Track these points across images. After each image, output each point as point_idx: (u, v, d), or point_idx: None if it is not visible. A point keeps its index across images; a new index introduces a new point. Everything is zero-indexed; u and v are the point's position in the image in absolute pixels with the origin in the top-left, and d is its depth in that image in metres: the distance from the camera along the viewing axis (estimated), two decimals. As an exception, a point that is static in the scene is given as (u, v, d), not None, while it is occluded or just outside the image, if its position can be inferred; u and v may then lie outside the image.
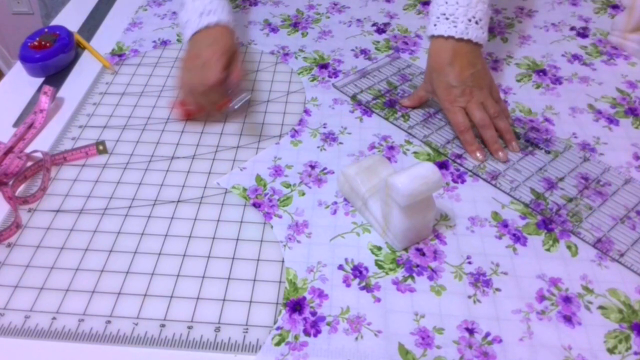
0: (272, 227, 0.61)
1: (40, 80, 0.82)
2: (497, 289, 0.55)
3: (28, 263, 0.58)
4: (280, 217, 0.62)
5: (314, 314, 0.53)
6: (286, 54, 0.85)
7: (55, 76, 0.82)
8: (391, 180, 0.54)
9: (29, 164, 0.67)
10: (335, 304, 0.54)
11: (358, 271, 0.57)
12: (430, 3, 0.73)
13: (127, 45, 0.88)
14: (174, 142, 0.71)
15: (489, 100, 0.69)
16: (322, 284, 0.56)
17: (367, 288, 0.55)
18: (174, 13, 0.95)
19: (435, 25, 0.70)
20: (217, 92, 0.69)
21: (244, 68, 0.73)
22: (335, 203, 0.63)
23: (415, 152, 0.70)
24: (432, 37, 0.71)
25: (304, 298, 0.55)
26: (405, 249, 0.59)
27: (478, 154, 0.68)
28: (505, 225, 0.61)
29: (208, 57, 0.68)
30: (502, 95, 0.77)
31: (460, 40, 0.69)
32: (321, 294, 0.55)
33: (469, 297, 0.55)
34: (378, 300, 0.55)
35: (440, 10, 0.70)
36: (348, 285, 0.56)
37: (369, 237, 0.60)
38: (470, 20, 0.69)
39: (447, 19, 0.69)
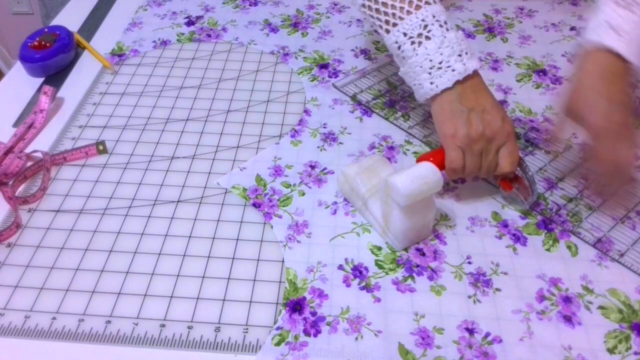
0: (272, 227, 0.61)
1: (40, 80, 0.82)
2: (497, 289, 0.55)
3: (28, 263, 0.58)
4: (280, 217, 0.62)
5: (314, 314, 0.53)
6: (286, 54, 0.85)
7: (55, 76, 0.82)
8: (391, 180, 0.54)
9: (29, 164, 0.67)
10: (335, 304, 0.54)
11: (358, 271, 0.57)
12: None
13: (127, 45, 0.88)
14: (174, 142, 0.71)
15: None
16: (322, 284, 0.56)
17: (367, 288, 0.55)
18: (174, 13, 0.95)
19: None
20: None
21: None
22: (335, 203, 0.63)
23: (415, 152, 0.70)
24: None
25: (304, 298, 0.55)
26: (405, 249, 0.59)
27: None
28: (505, 225, 0.61)
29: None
30: (502, 95, 0.77)
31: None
32: (321, 294, 0.55)
33: (469, 297, 0.55)
34: (378, 300, 0.55)
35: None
36: (348, 285, 0.56)
37: (369, 237, 0.60)
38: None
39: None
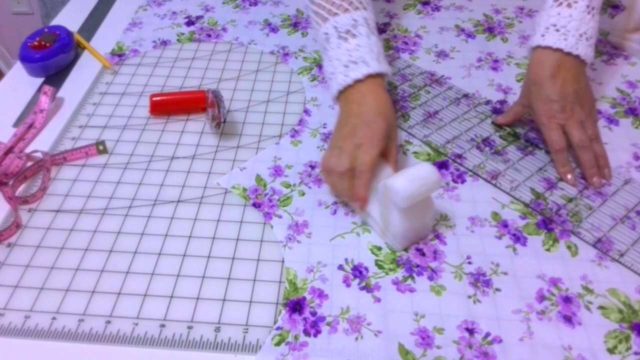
0: (272, 227, 0.61)
1: (40, 80, 0.82)
2: (497, 289, 0.55)
3: (28, 263, 0.58)
4: (280, 217, 0.62)
5: (314, 314, 0.53)
6: (286, 54, 0.85)
7: (55, 76, 0.82)
8: (390, 183, 0.54)
9: (29, 164, 0.67)
10: (335, 304, 0.54)
11: (358, 271, 0.57)
12: (539, 12, 0.70)
13: (127, 45, 0.88)
14: (174, 142, 0.71)
15: (589, 120, 0.66)
16: (322, 284, 0.56)
17: (367, 288, 0.55)
18: (174, 13, 0.95)
19: (542, 35, 0.67)
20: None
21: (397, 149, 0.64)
22: (335, 203, 0.63)
23: (415, 152, 0.70)
24: (538, 47, 0.67)
25: (304, 298, 0.55)
26: (405, 249, 0.59)
27: (569, 176, 0.65)
28: (505, 225, 0.61)
29: (364, 139, 0.59)
30: (502, 95, 0.77)
31: (568, 54, 0.66)
32: (321, 294, 0.55)
33: (469, 297, 0.55)
34: (378, 300, 0.55)
35: (551, 20, 0.67)
36: (348, 285, 0.56)
37: (369, 237, 0.60)
38: (581, 36, 0.65)
39: (557, 30, 0.66)
